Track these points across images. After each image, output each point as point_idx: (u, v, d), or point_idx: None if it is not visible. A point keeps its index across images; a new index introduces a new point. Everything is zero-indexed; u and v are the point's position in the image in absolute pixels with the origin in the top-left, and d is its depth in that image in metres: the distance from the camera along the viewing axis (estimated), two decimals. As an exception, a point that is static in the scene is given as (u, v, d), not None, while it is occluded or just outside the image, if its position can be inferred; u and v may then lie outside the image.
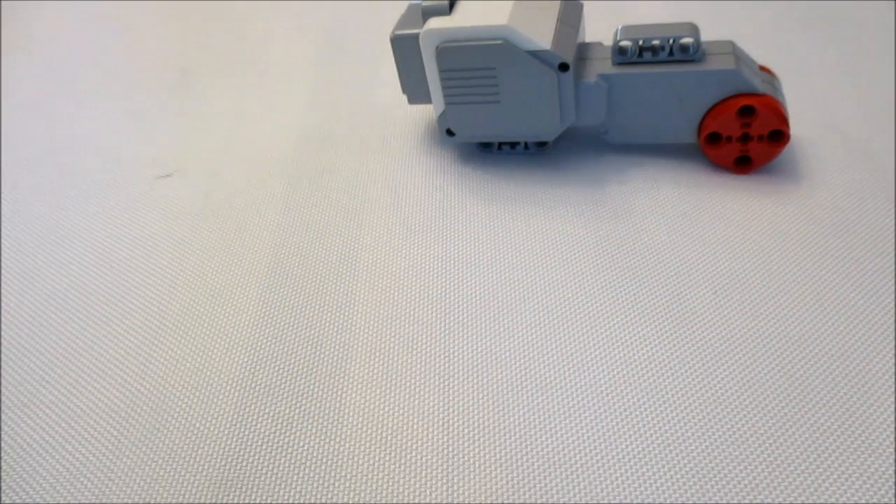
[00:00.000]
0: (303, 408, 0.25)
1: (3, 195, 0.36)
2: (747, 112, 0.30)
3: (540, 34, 0.30)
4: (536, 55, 0.29)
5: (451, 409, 0.25)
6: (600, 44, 0.33)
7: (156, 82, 0.44)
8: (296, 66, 0.44)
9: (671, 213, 0.31)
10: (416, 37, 0.31)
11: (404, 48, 0.32)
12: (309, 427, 0.25)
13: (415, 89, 0.33)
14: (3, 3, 0.51)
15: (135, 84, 0.44)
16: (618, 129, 0.33)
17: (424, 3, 0.31)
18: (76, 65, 0.46)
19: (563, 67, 0.30)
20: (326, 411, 0.25)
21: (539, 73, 0.30)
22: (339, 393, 0.25)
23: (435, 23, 0.30)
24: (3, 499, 0.23)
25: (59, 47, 0.48)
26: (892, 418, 0.23)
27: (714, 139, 0.31)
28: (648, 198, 0.32)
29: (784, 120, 0.30)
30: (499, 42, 0.29)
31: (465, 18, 0.30)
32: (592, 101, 0.31)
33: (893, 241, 0.27)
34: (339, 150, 0.36)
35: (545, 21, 0.30)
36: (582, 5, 0.33)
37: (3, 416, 0.26)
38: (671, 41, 0.30)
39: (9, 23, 0.50)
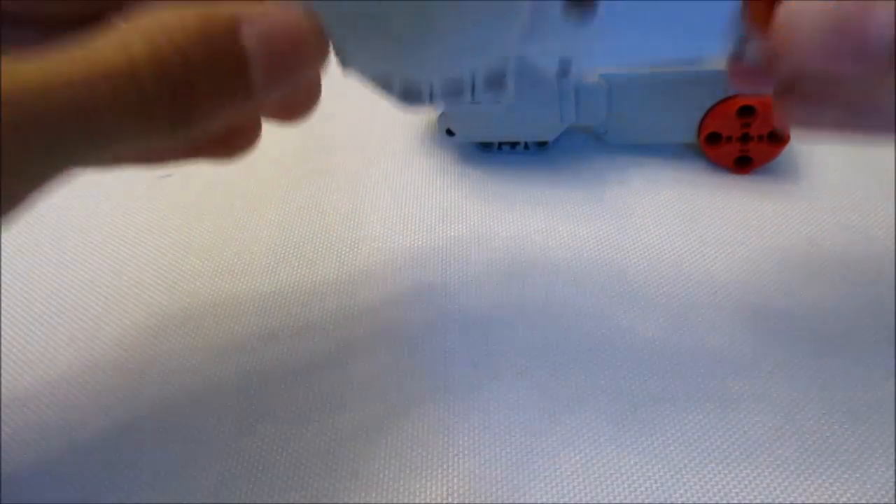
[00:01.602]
0: (303, 407, 0.25)
1: (3, 195, 0.36)
2: (747, 112, 0.30)
3: (540, 34, 0.29)
4: (536, 55, 0.29)
5: (451, 408, 0.25)
6: (600, 44, 0.33)
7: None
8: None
9: (671, 212, 0.31)
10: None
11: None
12: (309, 427, 0.25)
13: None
14: (3, 3, 0.51)
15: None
16: (617, 129, 0.33)
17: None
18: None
19: (564, 67, 0.30)
20: (327, 411, 0.25)
21: (539, 73, 0.30)
22: (339, 392, 0.25)
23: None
24: (3, 499, 0.24)
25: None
26: (893, 418, 0.23)
27: (714, 139, 0.31)
28: (648, 198, 0.32)
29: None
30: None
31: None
32: (592, 100, 0.31)
33: (893, 240, 0.27)
34: (338, 150, 0.36)
35: (545, 21, 0.30)
36: (582, 5, 0.33)
37: (2, 416, 0.26)
38: (671, 41, 0.30)
39: (9, 23, 0.50)
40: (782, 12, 0.18)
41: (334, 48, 0.20)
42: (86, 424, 0.25)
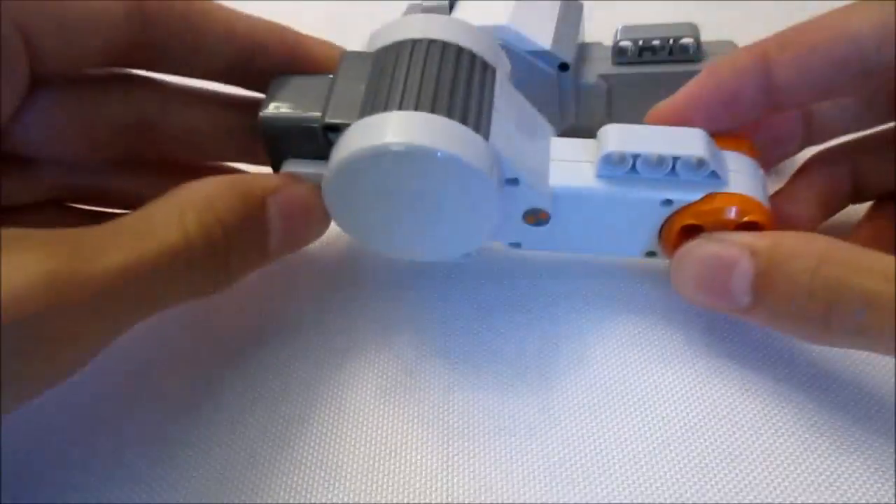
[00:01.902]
0: (303, 408, 0.25)
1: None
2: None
3: (539, 34, 0.29)
4: (536, 55, 0.29)
5: (452, 409, 0.25)
6: (600, 44, 0.33)
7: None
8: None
9: None
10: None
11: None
12: (308, 427, 0.25)
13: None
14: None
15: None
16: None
17: (425, 3, 0.31)
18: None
19: (563, 67, 0.30)
20: (327, 411, 0.25)
21: (539, 73, 0.30)
22: (340, 391, 0.25)
23: (434, 23, 0.30)
24: (3, 499, 0.23)
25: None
26: (893, 419, 0.23)
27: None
28: None
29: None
30: (498, 42, 0.29)
31: (467, 17, 0.30)
32: (592, 101, 0.31)
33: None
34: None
35: (545, 21, 0.30)
36: (582, 5, 0.33)
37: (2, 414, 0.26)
38: (671, 41, 0.30)
39: (9, 23, 0.50)
40: (675, 258, 0.23)
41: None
42: (85, 423, 0.25)
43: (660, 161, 0.23)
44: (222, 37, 0.24)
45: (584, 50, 0.32)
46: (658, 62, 0.30)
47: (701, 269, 0.22)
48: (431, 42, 0.23)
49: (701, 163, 0.22)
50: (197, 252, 0.20)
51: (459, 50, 0.23)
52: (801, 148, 0.27)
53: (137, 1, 0.23)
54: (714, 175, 0.22)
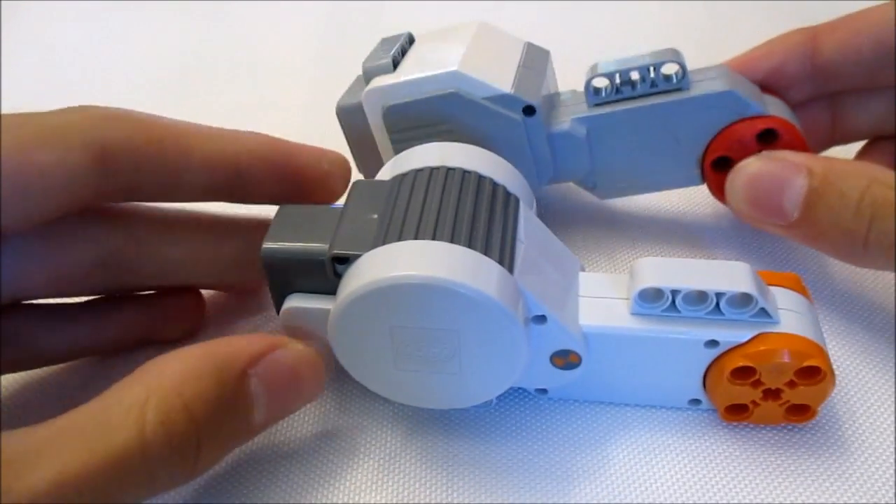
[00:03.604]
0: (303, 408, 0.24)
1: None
2: (768, 136, 0.25)
3: (498, 77, 0.26)
4: (496, 101, 0.25)
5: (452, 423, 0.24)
6: (573, 91, 0.29)
7: (155, 82, 0.43)
8: (295, 67, 0.43)
9: (668, 215, 0.30)
10: (360, 105, 0.27)
11: (351, 120, 0.28)
12: (309, 427, 0.24)
13: (372, 163, 0.29)
14: (2, 3, 0.51)
15: (134, 84, 0.43)
16: (607, 181, 0.28)
17: (366, 65, 0.27)
18: (76, 64, 0.46)
19: (529, 111, 0.25)
20: (327, 410, 0.24)
21: (502, 121, 0.26)
22: (340, 390, 0.25)
23: (377, 81, 0.26)
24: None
25: (59, 47, 0.48)
26: (892, 418, 0.22)
27: (722, 165, 0.26)
28: (647, 199, 0.31)
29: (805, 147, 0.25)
30: (450, 91, 0.25)
31: (412, 69, 0.26)
32: (570, 149, 0.27)
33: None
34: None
35: (504, 63, 0.27)
36: (548, 52, 0.29)
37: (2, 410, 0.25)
38: (651, 70, 0.26)
39: (9, 23, 0.50)
40: (732, 173, 0.24)
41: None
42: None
43: (701, 297, 0.21)
44: (201, 167, 0.23)
45: (555, 98, 0.28)
46: (639, 96, 0.26)
47: (756, 183, 0.23)
48: (450, 170, 0.22)
49: (748, 299, 0.20)
50: (154, 450, 0.18)
51: (480, 178, 0.22)
52: (827, 146, 0.28)
53: (99, 150, 0.21)
54: (763, 313, 0.20)
